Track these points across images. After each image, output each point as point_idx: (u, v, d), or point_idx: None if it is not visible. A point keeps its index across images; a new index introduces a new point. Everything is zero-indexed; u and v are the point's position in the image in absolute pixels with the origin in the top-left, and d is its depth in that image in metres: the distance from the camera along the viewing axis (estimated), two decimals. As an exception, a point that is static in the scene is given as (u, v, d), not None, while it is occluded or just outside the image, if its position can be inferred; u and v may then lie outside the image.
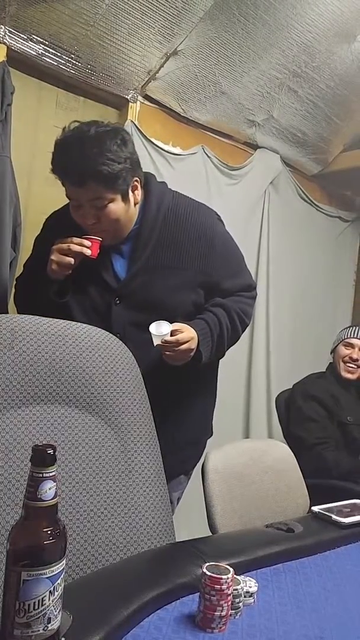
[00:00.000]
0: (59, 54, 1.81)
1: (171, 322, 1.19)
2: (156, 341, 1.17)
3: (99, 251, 1.21)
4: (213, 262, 1.31)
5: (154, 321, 1.18)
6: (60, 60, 1.82)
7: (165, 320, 1.19)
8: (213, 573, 0.75)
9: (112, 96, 2.06)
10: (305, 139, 2.68)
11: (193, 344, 1.22)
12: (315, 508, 1.18)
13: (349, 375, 2.14)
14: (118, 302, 1.26)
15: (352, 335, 2.17)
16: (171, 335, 1.18)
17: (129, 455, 1.01)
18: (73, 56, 1.83)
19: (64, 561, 0.63)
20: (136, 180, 1.24)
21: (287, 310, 2.93)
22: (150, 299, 1.26)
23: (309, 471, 1.72)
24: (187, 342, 1.20)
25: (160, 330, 1.17)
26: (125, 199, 1.21)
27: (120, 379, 1.04)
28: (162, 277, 1.26)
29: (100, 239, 1.21)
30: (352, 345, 2.16)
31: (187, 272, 1.28)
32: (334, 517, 1.13)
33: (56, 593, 0.62)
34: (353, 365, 2.14)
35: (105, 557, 0.92)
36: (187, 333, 1.20)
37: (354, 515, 1.15)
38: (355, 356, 2.14)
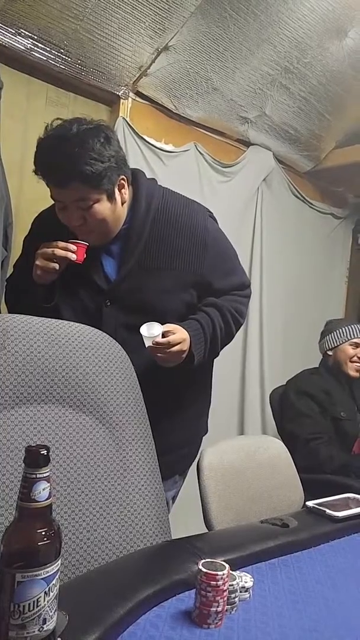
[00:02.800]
0: (48, 49, 1.79)
1: (163, 324, 1.17)
2: (147, 343, 1.16)
3: (85, 256, 1.19)
4: (205, 262, 1.28)
5: (145, 323, 1.16)
6: (49, 55, 1.80)
7: (157, 322, 1.17)
8: (209, 569, 0.75)
9: (103, 92, 2.05)
10: (297, 136, 2.68)
11: (185, 346, 1.20)
12: (310, 503, 1.19)
13: (355, 374, 2.16)
14: (109, 303, 1.24)
15: (358, 335, 2.17)
16: (163, 336, 1.16)
17: (124, 454, 1.01)
18: (62, 51, 1.82)
19: (59, 562, 0.63)
20: (122, 179, 1.21)
21: (280, 307, 2.94)
22: (142, 301, 1.24)
23: (303, 466, 1.74)
24: (179, 343, 1.18)
25: (151, 331, 1.15)
26: (111, 198, 1.18)
27: (114, 378, 1.04)
28: (153, 278, 1.24)
29: (87, 244, 1.19)
30: (358, 345, 2.16)
31: (179, 273, 1.26)
32: (328, 511, 1.13)
33: (51, 594, 0.62)
34: (358, 364, 2.16)
35: (101, 555, 0.92)
36: (179, 334, 1.18)
37: (347, 509, 1.16)
38: None
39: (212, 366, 1.42)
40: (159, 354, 1.17)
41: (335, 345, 2.21)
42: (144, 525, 0.98)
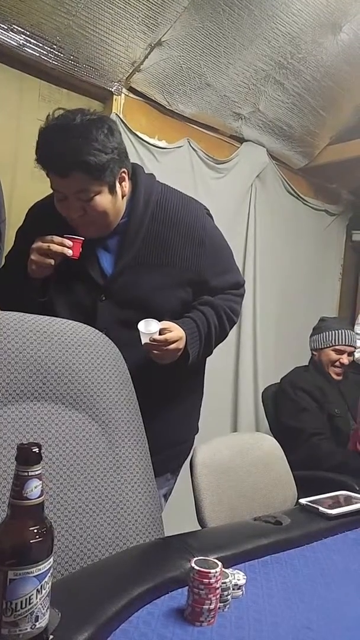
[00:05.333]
0: (40, 45, 1.77)
1: (158, 320, 1.17)
2: (144, 339, 1.15)
3: (80, 251, 1.17)
4: (202, 260, 1.28)
5: (140, 319, 1.16)
6: (42, 51, 1.79)
7: (153, 318, 1.16)
8: (201, 567, 0.75)
9: (96, 88, 2.04)
10: (291, 132, 2.68)
11: (181, 344, 1.19)
12: (303, 500, 1.19)
13: (338, 378, 2.21)
14: (104, 298, 1.23)
15: (342, 343, 2.21)
16: (160, 334, 1.15)
17: (117, 451, 1.01)
18: (55, 47, 1.80)
19: (51, 559, 0.63)
20: (124, 172, 1.19)
21: (274, 304, 2.94)
22: (138, 296, 1.23)
23: (302, 462, 1.75)
24: (175, 341, 1.17)
25: (148, 328, 1.14)
26: (112, 191, 1.17)
27: (107, 376, 1.03)
28: (150, 273, 1.23)
29: (83, 239, 1.17)
30: (341, 352, 2.20)
31: (176, 270, 1.25)
32: (321, 508, 1.14)
33: (44, 591, 0.62)
34: (341, 369, 2.21)
35: (94, 552, 0.92)
36: (176, 332, 1.18)
37: (340, 506, 1.16)
38: (345, 361, 2.20)
39: (205, 365, 1.42)
40: (155, 351, 1.16)
41: (320, 347, 2.23)
42: (137, 522, 0.98)
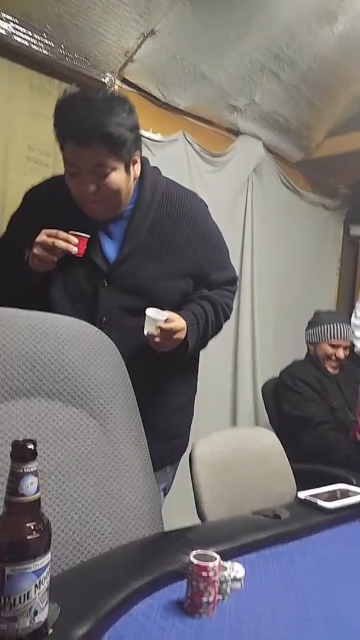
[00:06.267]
0: (30, 33, 1.72)
1: (160, 309, 1.18)
2: (150, 326, 1.15)
3: (85, 249, 1.15)
4: (204, 253, 1.30)
5: (142, 306, 1.16)
6: (32, 40, 1.73)
7: (154, 307, 1.17)
8: (200, 560, 0.75)
9: (89, 79, 2.00)
10: (287, 125, 2.66)
11: (183, 334, 1.21)
12: (301, 494, 1.20)
13: (333, 371, 2.22)
14: (106, 284, 1.22)
15: (337, 337, 2.21)
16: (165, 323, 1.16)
17: (115, 446, 1.00)
18: (45, 35, 1.75)
19: (48, 555, 0.63)
20: (137, 154, 1.19)
21: (272, 298, 2.94)
22: (140, 284, 1.23)
23: (310, 452, 1.76)
24: (178, 331, 1.19)
25: (157, 315, 1.16)
26: (127, 170, 1.16)
27: (104, 371, 1.03)
28: (153, 262, 1.24)
29: (88, 237, 1.15)
30: (337, 346, 2.21)
31: (179, 261, 1.26)
32: (319, 502, 1.14)
33: (42, 586, 0.62)
34: (337, 363, 2.22)
35: (94, 547, 0.92)
36: (180, 322, 1.19)
37: (338, 500, 1.17)
38: (340, 356, 2.21)
39: (198, 360, 1.43)
40: (157, 339, 1.17)
41: (315, 341, 2.24)
42: (137, 517, 0.98)
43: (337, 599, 0.83)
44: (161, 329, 1.15)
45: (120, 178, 1.14)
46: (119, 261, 1.22)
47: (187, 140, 2.37)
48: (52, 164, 1.77)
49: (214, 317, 1.32)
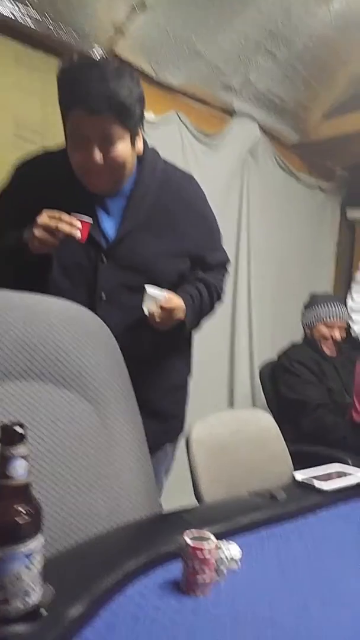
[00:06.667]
0: (14, 4, 1.64)
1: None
2: (150, 304, 1.15)
3: (87, 233, 1.11)
4: (202, 234, 1.31)
5: (141, 284, 1.16)
6: (16, 11, 1.65)
7: (153, 285, 1.17)
8: (195, 541, 0.75)
9: (78, 54, 1.94)
10: (283, 106, 2.61)
11: (182, 314, 1.21)
12: (298, 475, 1.20)
13: (330, 352, 2.22)
14: (105, 261, 1.20)
15: (332, 317, 2.21)
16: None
17: (110, 428, 0.99)
18: (32, 6, 1.69)
19: (40, 537, 0.62)
20: (141, 128, 1.17)
21: (269, 281, 2.92)
22: (140, 261, 1.22)
23: (308, 434, 1.76)
24: (178, 310, 1.19)
25: (157, 293, 1.15)
26: (133, 142, 1.14)
27: (97, 354, 1.01)
28: (153, 240, 1.23)
29: (90, 221, 1.11)
30: (332, 326, 2.20)
31: (178, 240, 1.26)
32: (315, 483, 1.14)
33: (33, 568, 0.61)
34: (333, 344, 2.22)
35: (89, 529, 0.91)
36: (179, 301, 1.19)
37: (335, 480, 1.16)
38: (337, 336, 2.20)
39: (192, 342, 1.42)
40: (157, 317, 1.16)
41: (311, 323, 2.24)
42: (132, 498, 0.98)
43: (332, 579, 0.83)
44: (162, 307, 1.15)
45: (126, 150, 1.12)
46: (120, 238, 1.20)
47: (180, 120, 2.33)
48: (40, 142, 1.70)
49: (207, 300, 1.32)
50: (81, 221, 1.09)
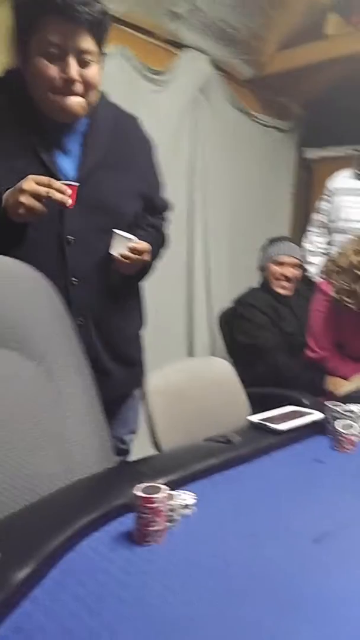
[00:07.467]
0: None
1: (121, 228, 1.16)
2: (118, 245, 1.14)
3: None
4: (152, 176, 1.31)
5: (107, 225, 1.15)
6: None
7: (115, 225, 1.15)
8: (146, 493, 0.74)
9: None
10: (235, 35, 2.46)
11: (148, 256, 1.20)
12: (253, 418, 1.21)
13: (283, 291, 2.20)
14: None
15: (281, 253, 2.20)
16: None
17: (57, 385, 0.96)
18: None
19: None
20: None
21: (225, 226, 2.87)
22: (104, 201, 1.18)
23: (261, 377, 1.79)
24: (146, 252, 1.18)
25: (127, 235, 1.15)
26: (101, 67, 1.09)
27: (38, 310, 0.96)
28: (113, 179, 1.19)
29: (77, 184, 1.04)
30: (283, 263, 2.18)
31: (134, 179, 1.23)
32: (270, 424, 1.16)
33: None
34: (285, 282, 2.20)
35: (41, 488, 0.89)
36: (145, 243, 1.17)
37: (289, 420, 1.18)
38: (288, 274, 2.18)
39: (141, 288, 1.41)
40: (130, 260, 1.14)
41: (264, 264, 2.23)
42: (84, 454, 0.96)
43: (286, 515, 0.85)
44: (134, 249, 1.12)
45: (99, 75, 1.07)
46: (83, 178, 1.13)
47: (124, 55, 2.15)
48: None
49: (157, 247, 1.31)
50: (69, 186, 1.03)
